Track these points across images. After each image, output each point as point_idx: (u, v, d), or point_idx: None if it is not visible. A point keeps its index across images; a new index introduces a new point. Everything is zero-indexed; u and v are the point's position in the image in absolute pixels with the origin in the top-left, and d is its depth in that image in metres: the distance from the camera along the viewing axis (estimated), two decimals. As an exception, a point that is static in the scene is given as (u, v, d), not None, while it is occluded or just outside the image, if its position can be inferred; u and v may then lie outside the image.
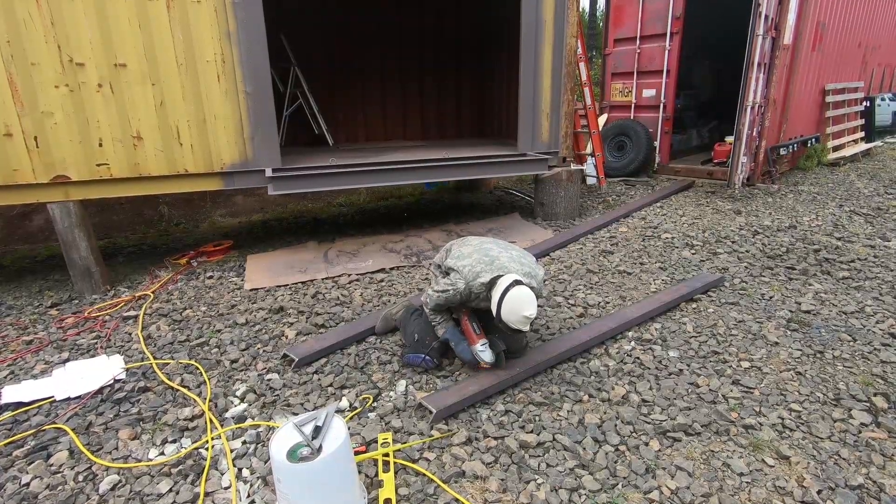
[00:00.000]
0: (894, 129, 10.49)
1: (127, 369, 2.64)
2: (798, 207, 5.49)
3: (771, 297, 3.31)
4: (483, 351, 2.38)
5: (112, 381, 2.51)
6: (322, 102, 5.96)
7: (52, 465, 1.98)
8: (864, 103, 9.41)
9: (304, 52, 5.79)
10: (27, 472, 1.94)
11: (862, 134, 9.37)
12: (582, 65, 5.57)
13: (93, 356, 2.80)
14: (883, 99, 10.02)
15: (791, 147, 6.97)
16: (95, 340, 2.99)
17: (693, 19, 7.19)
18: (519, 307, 2.16)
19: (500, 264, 2.33)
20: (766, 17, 5.68)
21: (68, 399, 2.40)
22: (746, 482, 1.83)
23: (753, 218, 5.14)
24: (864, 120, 9.41)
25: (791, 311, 3.10)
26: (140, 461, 2.00)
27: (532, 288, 2.29)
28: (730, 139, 6.78)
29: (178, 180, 3.81)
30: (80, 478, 1.93)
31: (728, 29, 8.24)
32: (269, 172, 3.94)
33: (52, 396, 2.40)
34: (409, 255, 4.28)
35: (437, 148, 5.60)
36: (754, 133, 6.13)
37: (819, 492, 1.78)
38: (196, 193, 6.00)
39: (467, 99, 7.17)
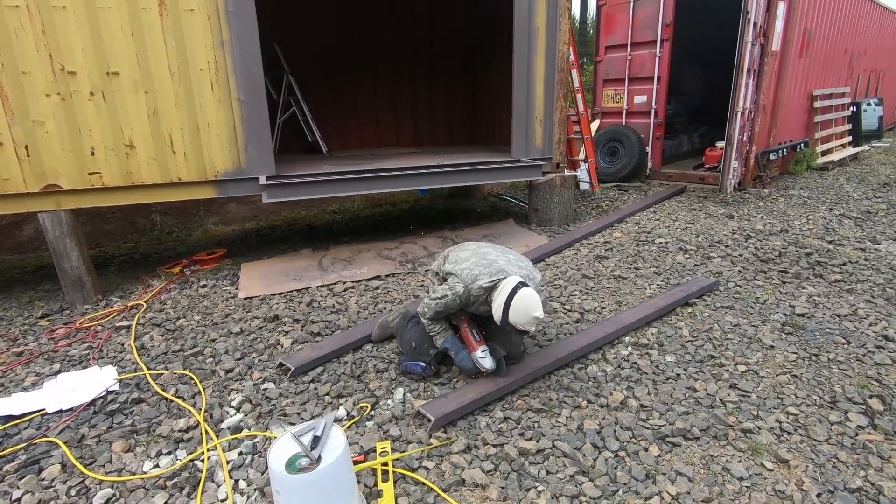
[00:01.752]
0: (880, 133, 10.66)
1: (120, 380, 2.60)
2: (789, 211, 5.55)
3: (765, 301, 3.33)
4: (483, 357, 2.37)
5: (105, 393, 2.48)
6: (315, 110, 5.96)
7: (43, 480, 1.94)
8: (851, 108, 9.56)
9: (298, 59, 5.80)
10: (18, 487, 1.90)
11: (849, 138, 9.51)
12: (574, 71, 5.61)
13: (85, 367, 2.76)
14: (869, 104, 10.19)
15: (781, 152, 7.06)
16: (87, 351, 2.95)
17: (683, 26, 7.28)
18: (528, 308, 2.17)
19: (498, 267, 2.34)
20: (755, 24, 5.77)
21: (60, 412, 2.36)
22: (746, 486, 1.83)
23: (746, 222, 5.19)
24: (851, 125, 9.56)
25: (785, 315, 3.12)
26: (134, 474, 1.97)
27: None
28: (720, 144, 6.85)
29: (172, 189, 3.78)
30: (73, 492, 1.89)
31: (717, 36, 8.36)
32: (263, 180, 3.92)
33: (44, 409, 2.36)
34: (404, 262, 4.27)
35: (430, 155, 5.61)
36: (745, 138, 6.20)
37: (818, 495, 1.78)
38: (189, 202, 5.97)
39: (460, 105, 7.20)
